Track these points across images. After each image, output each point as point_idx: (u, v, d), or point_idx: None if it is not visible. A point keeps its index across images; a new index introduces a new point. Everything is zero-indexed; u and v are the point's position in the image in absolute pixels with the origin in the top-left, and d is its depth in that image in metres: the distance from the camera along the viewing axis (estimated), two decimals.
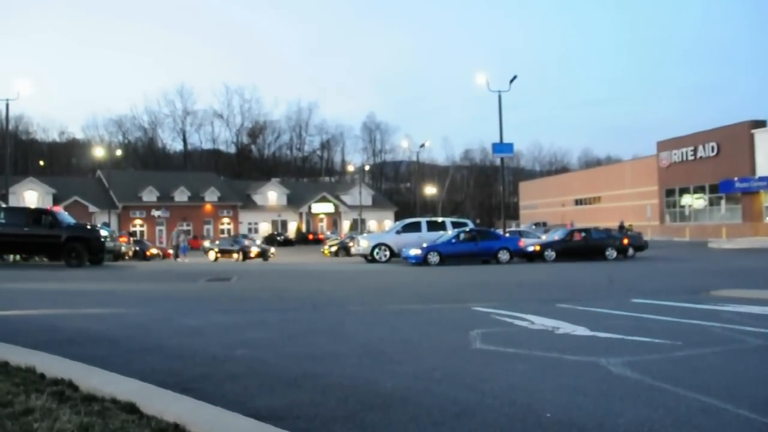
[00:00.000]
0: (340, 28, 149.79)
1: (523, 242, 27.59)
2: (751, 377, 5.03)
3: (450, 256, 24.87)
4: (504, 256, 25.45)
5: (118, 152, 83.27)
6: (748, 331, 7.16)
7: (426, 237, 26.90)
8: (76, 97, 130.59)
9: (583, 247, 27.13)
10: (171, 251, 38.87)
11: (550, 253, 26.28)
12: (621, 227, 37.71)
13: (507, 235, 30.45)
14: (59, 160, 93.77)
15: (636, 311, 9.17)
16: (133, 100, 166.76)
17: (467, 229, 27.64)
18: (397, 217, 69.82)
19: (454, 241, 25.73)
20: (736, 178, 44.10)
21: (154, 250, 40.99)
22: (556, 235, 29.18)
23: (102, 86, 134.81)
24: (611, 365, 5.26)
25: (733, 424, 3.74)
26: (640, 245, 30.04)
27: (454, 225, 28.77)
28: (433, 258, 24.39)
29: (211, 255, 39.13)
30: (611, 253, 26.61)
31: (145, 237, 60.74)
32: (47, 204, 56.14)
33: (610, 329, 7.26)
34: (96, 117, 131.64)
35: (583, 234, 28.19)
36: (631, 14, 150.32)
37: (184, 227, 49.31)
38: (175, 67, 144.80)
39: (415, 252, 24.78)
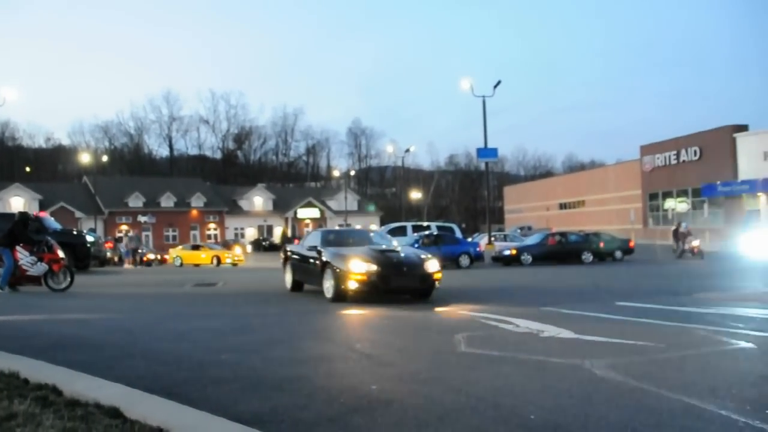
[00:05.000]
0: (325, 35, 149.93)
1: (482, 247, 27.59)
2: (733, 378, 5.08)
3: None
4: (464, 261, 25.02)
5: (105, 158, 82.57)
6: (730, 332, 7.24)
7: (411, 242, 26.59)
8: (63, 103, 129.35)
9: (559, 251, 27.25)
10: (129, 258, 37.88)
11: (527, 257, 26.38)
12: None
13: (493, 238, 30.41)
14: (45, 166, 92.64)
15: (620, 314, 9.25)
16: (119, 106, 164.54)
17: (429, 232, 26.88)
18: (383, 222, 69.82)
19: (417, 245, 24.26)
20: (718, 182, 44.46)
21: (151, 255, 40.74)
22: (533, 239, 29.31)
23: (88, 92, 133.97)
24: (595, 367, 5.30)
25: (716, 425, 3.78)
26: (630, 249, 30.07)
27: (440, 229, 28.62)
28: None
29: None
30: (587, 256, 26.79)
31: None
32: (33, 210, 55.67)
33: (594, 332, 7.31)
34: (82, 123, 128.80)
35: (559, 238, 28.30)
36: (612, 19, 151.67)
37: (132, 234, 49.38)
38: (162, 73, 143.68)
39: None
